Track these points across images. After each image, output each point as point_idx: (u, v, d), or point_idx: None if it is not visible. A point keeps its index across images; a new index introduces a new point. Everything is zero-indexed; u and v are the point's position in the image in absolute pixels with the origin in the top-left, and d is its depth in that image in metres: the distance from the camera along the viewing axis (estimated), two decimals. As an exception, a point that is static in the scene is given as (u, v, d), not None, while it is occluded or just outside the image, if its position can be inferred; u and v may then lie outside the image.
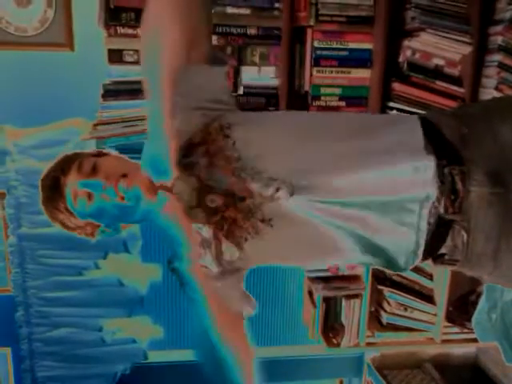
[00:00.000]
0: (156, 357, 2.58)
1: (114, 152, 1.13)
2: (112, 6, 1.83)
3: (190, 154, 1.03)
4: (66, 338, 2.46)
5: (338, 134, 1.07)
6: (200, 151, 1.03)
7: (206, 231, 1.04)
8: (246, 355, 1.10)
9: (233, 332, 1.08)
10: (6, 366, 2.51)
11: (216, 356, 1.05)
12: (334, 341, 2.42)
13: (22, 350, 2.44)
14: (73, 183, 1.01)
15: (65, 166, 1.03)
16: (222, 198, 1.02)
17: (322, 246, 1.06)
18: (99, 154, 1.08)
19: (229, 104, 1.15)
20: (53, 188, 1.02)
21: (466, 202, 1.01)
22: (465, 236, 1.03)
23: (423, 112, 1.22)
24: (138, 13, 1.85)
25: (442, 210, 1.02)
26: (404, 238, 1.03)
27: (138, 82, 1.91)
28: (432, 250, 1.06)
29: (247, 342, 1.11)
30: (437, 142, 1.05)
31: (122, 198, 0.99)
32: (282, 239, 1.05)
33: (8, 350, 2.49)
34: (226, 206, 1.02)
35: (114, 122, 1.92)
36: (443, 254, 1.07)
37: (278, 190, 1.00)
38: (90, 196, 1.00)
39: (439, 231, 1.04)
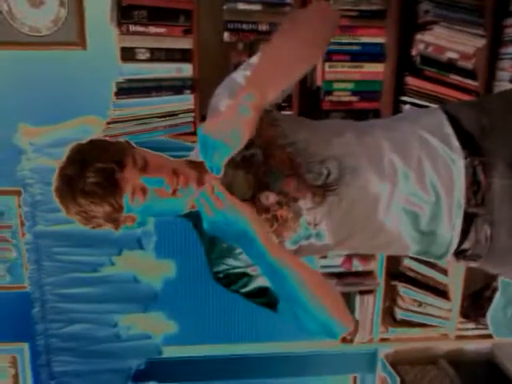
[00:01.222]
0: (170, 352, 2.60)
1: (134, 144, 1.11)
2: (124, 4, 1.84)
3: (249, 144, 1.01)
4: (82, 334, 2.49)
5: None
6: (256, 143, 1.03)
7: None
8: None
9: (317, 277, 1.08)
10: (23, 360, 2.55)
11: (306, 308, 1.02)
12: (348, 336, 2.41)
13: (38, 345, 2.47)
14: (133, 178, 0.97)
15: (118, 157, 0.97)
16: (276, 197, 1.03)
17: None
18: (131, 145, 1.07)
19: None
20: (109, 182, 0.95)
21: (489, 194, 1.00)
22: (488, 230, 1.01)
23: (438, 105, 1.20)
24: (150, 10, 1.85)
25: (464, 204, 1.01)
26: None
27: (151, 80, 1.93)
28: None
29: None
30: (457, 133, 1.04)
31: (174, 193, 1.00)
32: (329, 240, 1.08)
33: (25, 346, 2.52)
34: (279, 205, 1.03)
35: (127, 120, 1.92)
36: (465, 250, 1.05)
37: (328, 175, 1.04)
38: (144, 192, 0.99)
39: (462, 225, 1.02)
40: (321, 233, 1.07)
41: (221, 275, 1.12)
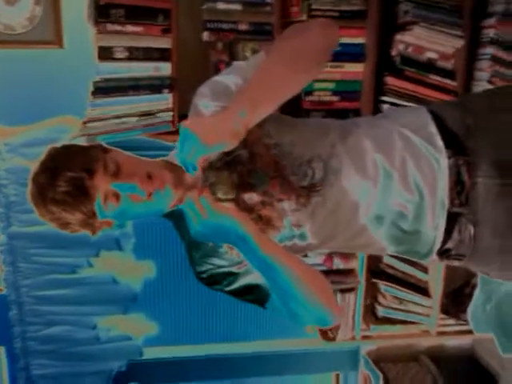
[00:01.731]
0: (151, 353, 2.57)
1: (108, 146, 1.10)
2: (101, 3, 1.80)
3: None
4: (60, 336, 2.45)
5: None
6: (241, 143, 1.02)
7: None
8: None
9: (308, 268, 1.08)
10: (0, 364, 2.50)
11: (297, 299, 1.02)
12: (330, 334, 2.41)
13: (15, 348, 2.43)
14: (103, 185, 0.97)
15: (87, 165, 0.97)
16: (261, 197, 1.03)
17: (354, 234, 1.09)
18: (104, 149, 1.06)
19: None
20: (79, 190, 0.95)
21: (473, 194, 1.00)
22: (471, 230, 1.01)
23: (422, 105, 1.20)
24: (128, 9, 1.82)
25: (448, 203, 1.01)
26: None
27: (128, 79, 1.90)
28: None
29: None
30: (441, 132, 1.04)
31: (150, 197, 0.99)
32: (313, 239, 1.08)
33: (2, 349, 2.47)
34: (263, 205, 1.04)
35: (104, 119, 1.89)
36: (449, 249, 1.05)
37: (313, 175, 1.04)
38: (117, 197, 0.98)
39: (445, 225, 1.02)
40: (304, 234, 1.07)
41: (204, 275, 1.11)
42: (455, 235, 1.03)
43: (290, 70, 0.99)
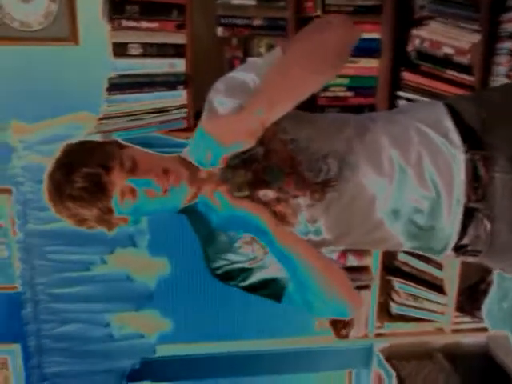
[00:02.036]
0: (165, 351, 2.58)
1: (124, 142, 1.10)
2: (116, -1, 1.81)
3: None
4: (74, 334, 2.46)
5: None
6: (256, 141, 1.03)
7: None
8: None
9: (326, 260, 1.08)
10: (15, 362, 2.51)
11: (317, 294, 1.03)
12: (343, 332, 2.41)
13: (29, 346, 2.44)
14: (120, 181, 0.97)
15: (104, 161, 0.97)
16: (276, 194, 1.03)
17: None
18: (121, 145, 1.06)
19: None
20: (95, 186, 0.96)
21: (490, 189, 0.99)
22: (488, 225, 1.00)
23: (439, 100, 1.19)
24: (142, 5, 1.82)
25: (464, 199, 1.00)
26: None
27: (143, 76, 1.90)
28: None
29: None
30: (458, 127, 1.03)
31: (166, 193, 0.99)
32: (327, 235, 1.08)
33: (18, 347, 2.48)
34: (277, 201, 1.04)
35: (119, 116, 1.89)
36: (465, 245, 1.04)
37: (328, 171, 1.03)
38: (133, 193, 0.99)
39: (462, 220, 1.01)
40: (319, 229, 1.07)
41: (219, 271, 1.11)
42: (471, 231, 1.02)
43: (308, 70, 0.99)
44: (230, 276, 1.11)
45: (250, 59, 1.24)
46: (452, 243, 1.06)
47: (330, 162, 1.04)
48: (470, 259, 1.10)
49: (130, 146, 1.08)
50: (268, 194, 1.03)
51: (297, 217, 1.04)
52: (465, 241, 1.04)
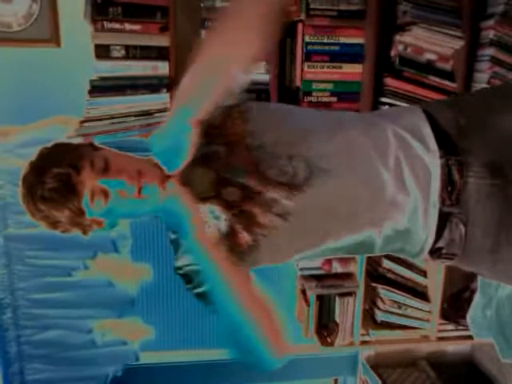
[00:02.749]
0: (148, 358, 2.54)
1: (101, 145, 1.09)
2: (98, 1, 1.79)
3: (208, 141, 1.02)
4: (55, 340, 2.43)
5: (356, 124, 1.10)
6: (219, 140, 1.02)
7: (223, 223, 1.03)
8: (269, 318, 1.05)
9: (250, 293, 1.04)
10: (-6, 369, 2.47)
11: (238, 329, 1.00)
12: (329, 339, 2.39)
13: (9, 352, 2.40)
14: (91, 181, 0.96)
15: (74, 161, 0.97)
16: (240, 191, 1.01)
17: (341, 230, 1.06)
18: (95, 147, 1.05)
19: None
20: (65, 187, 0.95)
21: (464, 194, 0.99)
22: (462, 229, 1.00)
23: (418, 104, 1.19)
24: (125, 7, 1.81)
25: (439, 203, 1.00)
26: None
27: (126, 78, 1.88)
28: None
29: (266, 300, 1.06)
30: (434, 132, 1.03)
31: (139, 194, 0.98)
32: (298, 233, 1.04)
33: (-4, 354, 2.44)
34: (243, 199, 1.01)
35: (101, 119, 1.88)
36: (440, 248, 1.04)
37: (295, 175, 1.00)
38: (105, 194, 0.97)
39: (437, 224, 1.01)
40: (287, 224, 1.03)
41: (181, 271, 1.09)
42: (446, 234, 1.02)
43: (230, 41, 0.98)
44: (187, 278, 1.08)
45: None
46: (428, 246, 1.05)
47: (296, 166, 1.01)
48: (447, 262, 1.10)
49: (105, 148, 1.07)
50: (233, 192, 1.01)
51: (266, 215, 1.01)
52: (440, 244, 1.04)
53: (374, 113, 1.25)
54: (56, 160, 0.97)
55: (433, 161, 1.01)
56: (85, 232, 1.04)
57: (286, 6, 1.05)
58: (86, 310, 2.40)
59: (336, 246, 1.08)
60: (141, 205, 1.01)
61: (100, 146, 1.07)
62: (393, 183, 1.02)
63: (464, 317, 2.37)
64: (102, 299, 2.40)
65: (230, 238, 1.03)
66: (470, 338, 2.42)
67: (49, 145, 1.04)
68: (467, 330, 2.39)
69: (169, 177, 0.99)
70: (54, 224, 1.00)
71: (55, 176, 0.95)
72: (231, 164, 1.02)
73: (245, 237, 1.02)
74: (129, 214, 1.04)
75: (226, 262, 0.99)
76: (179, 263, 1.09)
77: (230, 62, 0.97)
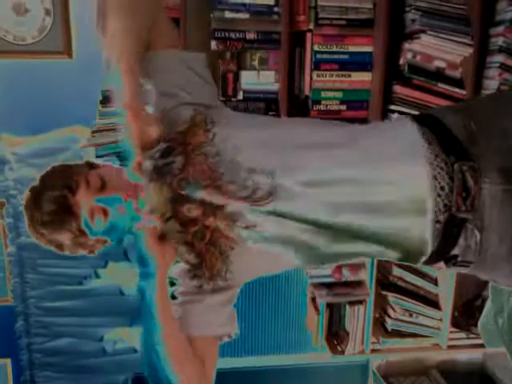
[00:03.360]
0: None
1: (101, 162, 1.08)
2: (110, 13, 1.82)
3: (167, 152, 0.96)
4: (67, 349, 2.44)
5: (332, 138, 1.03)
6: (178, 150, 0.97)
7: (191, 256, 0.99)
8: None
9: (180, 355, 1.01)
10: (5, 377, 2.48)
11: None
12: (339, 348, 2.38)
13: (21, 360, 2.41)
14: (87, 201, 0.95)
15: (68, 182, 0.96)
16: (200, 208, 0.95)
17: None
18: (91, 165, 1.04)
19: (213, 96, 1.13)
20: (62, 209, 0.94)
21: (479, 200, 0.98)
22: (478, 236, 0.98)
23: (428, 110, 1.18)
24: (136, 18, 1.84)
25: (453, 209, 0.99)
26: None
27: (137, 88, 1.90)
28: (444, 251, 1.03)
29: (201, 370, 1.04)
30: (444, 138, 1.02)
31: (138, 210, 0.96)
32: (269, 245, 0.98)
33: (8, 361, 2.46)
34: (204, 215, 0.95)
35: (113, 129, 1.90)
36: (455, 256, 1.03)
37: (255, 190, 0.94)
38: (105, 211, 0.96)
39: (451, 231, 1.01)
40: (262, 234, 0.98)
41: None
42: (461, 241, 1.01)
43: None
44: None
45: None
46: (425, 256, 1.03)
47: (258, 181, 0.95)
48: (462, 270, 1.08)
49: (103, 164, 1.05)
50: (191, 208, 0.95)
51: (233, 229, 0.96)
52: (455, 251, 1.03)
53: (364, 127, 1.19)
54: (51, 183, 0.97)
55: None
56: (91, 252, 1.04)
57: None
58: (97, 318, 2.42)
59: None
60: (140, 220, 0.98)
61: (98, 163, 1.06)
62: None
63: (475, 325, 2.35)
64: (113, 307, 2.41)
65: (202, 265, 0.98)
66: (481, 346, 2.39)
67: (47, 168, 1.03)
68: (479, 338, 2.36)
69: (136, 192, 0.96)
70: (59, 247, 1.00)
71: (51, 199, 0.94)
72: (186, 178, 0.95)
73: (214, 254, 0.98)
74: (131, 229, 1.00)
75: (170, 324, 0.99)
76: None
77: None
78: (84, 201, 0.95)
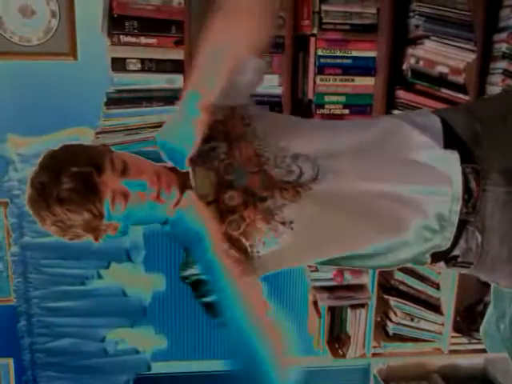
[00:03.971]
0: (159, 368, 2.55)
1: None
2: (115, 15, 1.84)
3: (210, 137, 0.97)
4: (69, 349, 2.45)
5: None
6: (221, 136, 0.99)
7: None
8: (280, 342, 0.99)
9: (259, 307, 0.99)
10: (8, 376, 2.49)
11: (251, 351, 0.94)
12: (340, 351, 2.38)
13: (23, 360, 2.43)
14: (113, 182, 0.91)
15: (95, 161, 0.91)
16: (242, 196, 0.96)
17: (347, 239, 1.03)
18: (109, 149, 1.01)
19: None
20: (86, 187, 0.88)
21: (481, 202, 0.98)
22: (479, 238, 0.99)
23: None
24: (141, 21, 1.85)
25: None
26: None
27: (141, 91, 1.92)
28: (444, 252, 1.03)
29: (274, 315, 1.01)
30: (449, 139, 1.02)
31: (158, 197, 0.95)
32: (302, 242, 1.00)
33: (10, 361, 2.47)
34: (245, 205, 0.97)
35: (117, 131, 1.91)
36: (456, 256, 1.03)
37: (301, 174, 0.97)
38: (126, 197, 0.93)
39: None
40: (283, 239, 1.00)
41: (188, 281, 1.05)
42: (462, 243, 1.01)
43: (233, 28, 0.95)
44: (195, 286, 1.04)
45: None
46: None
47: (302, 166, 0.97)
48: (462, 271, 1.09)
49: (118, 150, 1.03)
50: (234, 196, 0.96)
51: (268, 222, 0.97)
52: (455, 252, 1.03)
53: (385, 117, 1.23)
54: (73, 158, 0.90)
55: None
56: (96, 238, 0.98)
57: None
58: (99, 318, 2.43)
59: (341, 256, 1.07)
60: (158, 209, 0.97)
61: (112, 148, 1.03)
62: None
63: (477, 330, 2.34)
64: (115, 308, 2.42)
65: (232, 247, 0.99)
66: (483, 351, 2.39)
67: (57, 147, 0.97)
68: (480, 343, 2.36)
69: (186, 186, 0.96)
70: (66, 229, 0.93)
71: (74, 175, 0.88)
72: (232, 164, 0.97)
73: (242, 246, 0.98)
74: (144, 219, 1.00)
75: (240, 276, 0.95)
76: (186, 273, 1.05)
77: (234, 47, 0.94)
78: (110, 182, 0.91)
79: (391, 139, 1.03)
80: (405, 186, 0.98)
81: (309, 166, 0.97)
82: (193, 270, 1.04)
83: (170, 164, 1.07)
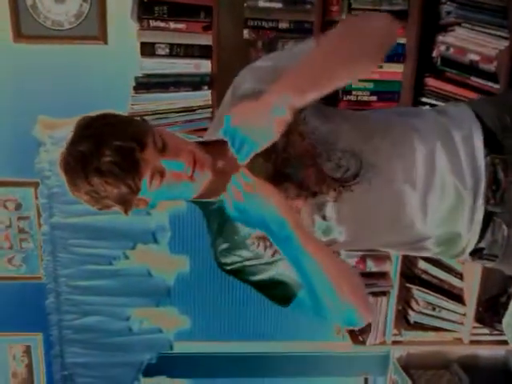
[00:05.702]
0: (181, 347, 2.60)
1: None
2: (145, 0, 1.85)
3: None
4: (94, 326, 2.51)
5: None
6: None
7: None
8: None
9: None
10: (37, 350, 2.58)
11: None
12: (360, 338, 2.40)
13: (51, 335, 2.50)
14: (154, 160, 0.92)
15: (138, 136, 0.90)
16: (296, 189, 1.00)
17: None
18: (151, 126, 1.00)
19: None
20: (128, 162, 0.88)
21: (508, 194, 0.98)
22: (505, 230, 0.99)
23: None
24: (171, 6, 1.87)
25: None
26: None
27: (169, 75, 1.94)
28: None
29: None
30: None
31: (192, 177, 0.96)
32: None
33: (40, 336, 2.55)
34: (296, 197, 1.00)
35: (145, 115, 1.94)
36: (481, 249, 1.03)
37: (347, 170, 1.00)
38: (162, 174, 0.93)
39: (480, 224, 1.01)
40: (330, 229, 1.04)
41: (230, 267, 1.08)
42: (488, 235, 1.01)
43: (343, 57, 0.94)
44: (240, 271, 1.07)
45: (274, 53, 1.22)
46: (470, 247, 1.05)
47: (349, 161, 1.00)
48: (487, 264, 1.08)
49: (155, 126, 1.02)
50: (289, 187, 1.00)
51: (312, 214, 1.01)
52: (481, 244, 1.03)
53: (420, 108, 1.22)
54: (116, 131, 0.90)
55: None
56: (126, 211, 0.97)
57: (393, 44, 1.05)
58: (125, 298, 2.47)
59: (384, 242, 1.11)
60: (189, 188, 0.98)
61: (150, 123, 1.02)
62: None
63: (500, 321, 2.32)
64: (140, 288, 2.46)
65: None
66: (504, 343, 2.38)
67: (93, 115, 0.94)
68: (502, 334, 2.35)
69: (237, 166, 0.95)
70: (99, 200, 0.93)
71: (117, 149, 0.87)
72: (288, 157, 1.00)
73: None
74: (175, 196, 1.02)
75: (319, 244, 0.98)
76: (227, 260, 1.07)
77: (340, 71, 0.94)
78: (151, 160, 0.91)
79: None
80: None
81: (353, 161, 1.01)
82: (237, 256, 1.07)
83: (205, 138, 1.10)
